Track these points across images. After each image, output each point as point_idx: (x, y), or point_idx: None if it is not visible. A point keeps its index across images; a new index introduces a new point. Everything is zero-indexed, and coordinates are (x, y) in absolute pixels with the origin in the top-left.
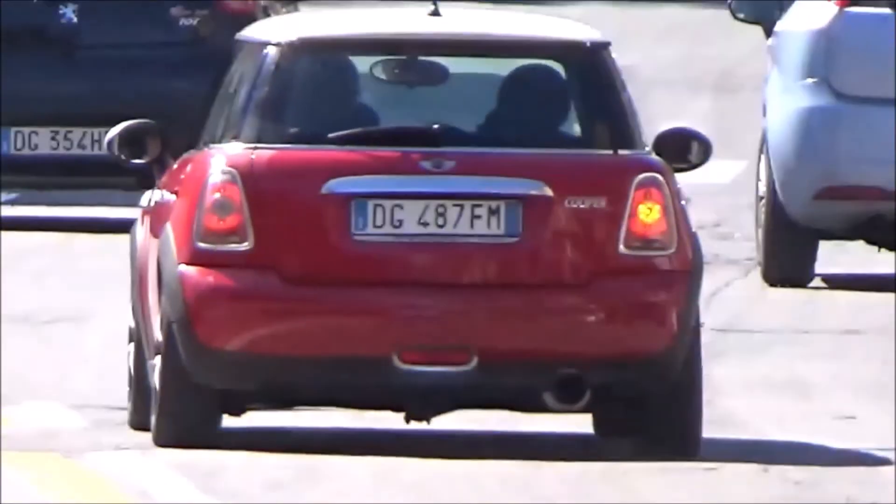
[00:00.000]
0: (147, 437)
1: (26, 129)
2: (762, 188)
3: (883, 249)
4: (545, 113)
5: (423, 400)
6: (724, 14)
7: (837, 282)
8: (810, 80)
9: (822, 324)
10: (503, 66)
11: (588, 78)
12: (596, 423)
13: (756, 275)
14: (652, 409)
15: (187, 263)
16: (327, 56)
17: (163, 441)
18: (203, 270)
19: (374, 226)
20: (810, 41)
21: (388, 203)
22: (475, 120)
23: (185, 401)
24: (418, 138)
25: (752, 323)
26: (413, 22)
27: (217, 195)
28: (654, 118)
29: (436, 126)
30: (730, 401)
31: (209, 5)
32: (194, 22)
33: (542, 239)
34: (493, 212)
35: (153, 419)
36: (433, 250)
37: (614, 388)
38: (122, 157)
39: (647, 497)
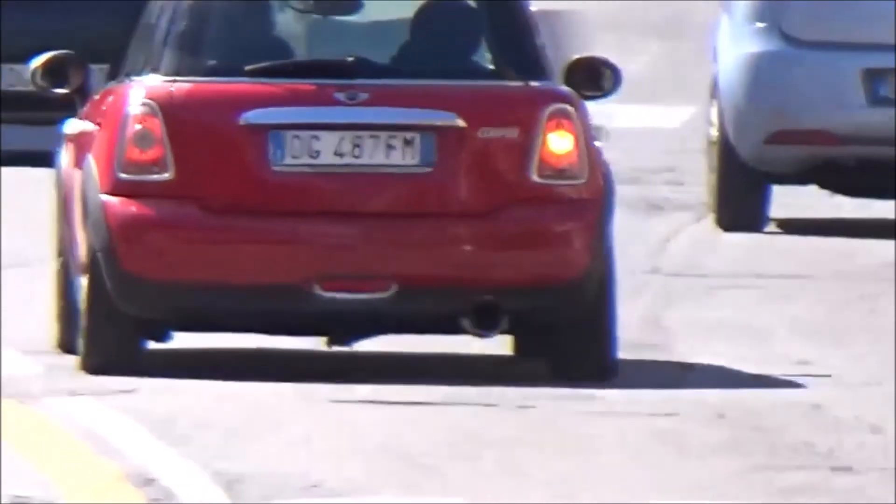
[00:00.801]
0: (102, 382)
1: (17, 66)
2: (713, 133)
3: (836, 194)
4: (457, 44)
5: (343, 326)
6: None
7: (790, 226)
8: (760, 25)
9: (776, 268)
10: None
11: (499, 9)
12: (515, 346)
13: (709, 220)
14: (566, 334)
15: (110, 194)
16: None
17: (89, 368)
18: (125, 201)
19: (292, 156)
20: None
21: (304, 134)
22: (389, 52)
23: (109, 329)
24: (333, 70)
25: (706, 268)
26: None
27: (138, 127)
28: None
29: (350, 58)
30: (683, 346)
31: None
32: None
33: (455, 168)
34: (408, 142)
35: (80, 347)
36: (350, 180)
37: (529, 314)
38: (45, 85)
39: (602, 442)
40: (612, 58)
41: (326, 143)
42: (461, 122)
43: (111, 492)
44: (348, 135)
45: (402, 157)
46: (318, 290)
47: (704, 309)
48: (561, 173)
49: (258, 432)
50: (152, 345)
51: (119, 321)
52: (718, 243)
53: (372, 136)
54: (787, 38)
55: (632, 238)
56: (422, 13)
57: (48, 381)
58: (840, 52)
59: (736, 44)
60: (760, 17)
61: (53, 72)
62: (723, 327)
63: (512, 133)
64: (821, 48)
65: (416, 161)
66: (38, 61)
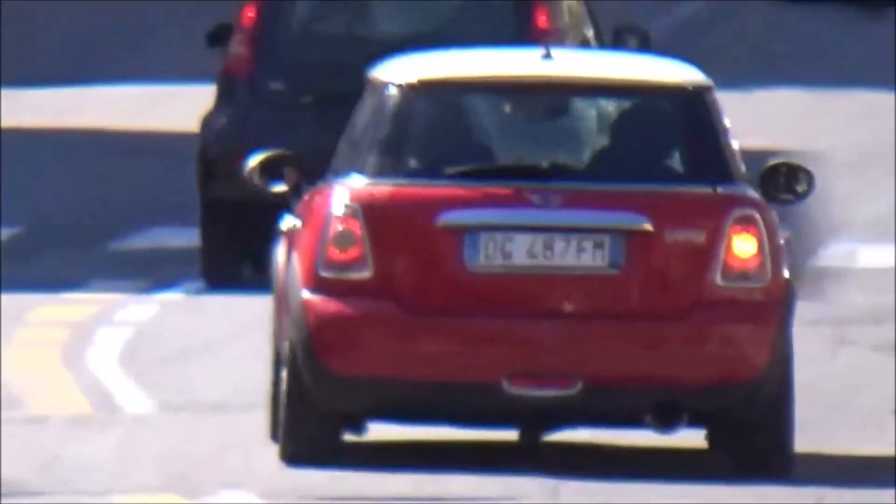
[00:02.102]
0: None
1: None
2: None
3: None
4: (648, 149)
5: (531, 420)
6: None
7: None
8: None
9: None
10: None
11: (689, 117)
12: (708, 438)
13: None
14: (747, 431)
15: (310, 290)
16: (444, 95)
17: (288, 458)
18: (325, 297)
19: (486, 257)
20: None
21: (499, 235)
22: (584, 154)
23: (307, 420)
24: (528, 172)
25: None
26: (526, 63)
27: (339, 227)
28: (846, 202)
29: (545, 162)
30: None
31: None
32: None
33: (643, 271)
34: (598, 244)
35: (280, 437)
36: (541, 281)
37: (710, 413)
38: (260, 183)
39: None
40: (856, 197)
41: (519, 243)
42: (650, 226)
43: None
44: (541, 236)
45: (592, 258)
46: (507, 386)
47: None
48: (745, 276)
49: None
50: (349, 436)
51: (316, 413)
52: None
53: (563, 238)
54: None
55: (872, 379)
56: (615, 117)
57: None
58: None
59: None
60: None
61: (270, 170)
62: None
63: (698, 237)
64: None
65: (604, 263)
66: (254, 160)
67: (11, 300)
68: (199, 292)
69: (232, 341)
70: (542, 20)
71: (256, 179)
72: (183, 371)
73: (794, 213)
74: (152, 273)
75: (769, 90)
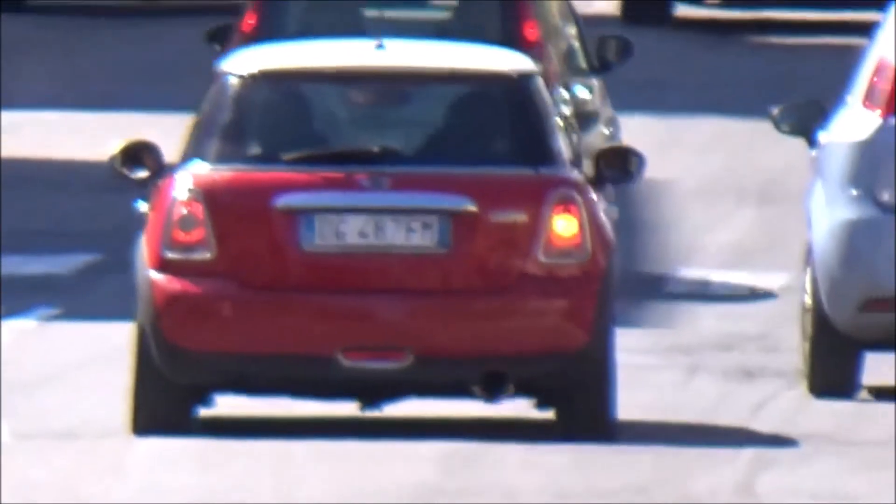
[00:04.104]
0: None
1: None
2: (807, 299)
3: None
4: (475, 135)
5: (366, 392)
6: (766, 125)
7: (884, 393)
8: (854, 192)
9: (868, 435)
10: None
11: (514, 103)
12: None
13: (802, 387)
14: (569, 397)
15: (157, 270)
16: (281, 85)
17: (139, 430)
18: (170, 277)
19: (321, 237)
20: (853, 152)
21: (332, 217)
22: (414, 140)
23: (156, 394)
24: (361, 157)
25: (797, 435)
26: (360, 54)
27: (183, 210)
28: (697, 230)
29: (376, 147)
30: None
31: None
32: None
33: (469, 249)
34: (427, 225)
35: (130, 411)
36: (372, 260)
37: (534, 381)
38: (125, 172)
39: None
40: (707, 224)
41: (352, 225)
42: (475, 207)
43: None
44: (372, 218)
45: (421, 238)
46: (341, 359)
47: (796, 476)
48: (566, 253)
49: None
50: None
51: (164, 387)
52: (810, 410)
53: (393, 219)
54: (881, 205)
55: (725, 405)
56: (445, 104)
57: None
58: None
59: (829, 210)
60: (854, 183)
61: (132, 158)
62: (815, 494)
63: (521, 217)
64: None
65: (433, 243)
66: (117, 148)
67: None
68: (51, 320)
69: (85, 369)
70: (530, 32)
71: (118, 166)
72: (35, 399)
73: (646, 239)
74: (4, 300)
75: (620, 117)
